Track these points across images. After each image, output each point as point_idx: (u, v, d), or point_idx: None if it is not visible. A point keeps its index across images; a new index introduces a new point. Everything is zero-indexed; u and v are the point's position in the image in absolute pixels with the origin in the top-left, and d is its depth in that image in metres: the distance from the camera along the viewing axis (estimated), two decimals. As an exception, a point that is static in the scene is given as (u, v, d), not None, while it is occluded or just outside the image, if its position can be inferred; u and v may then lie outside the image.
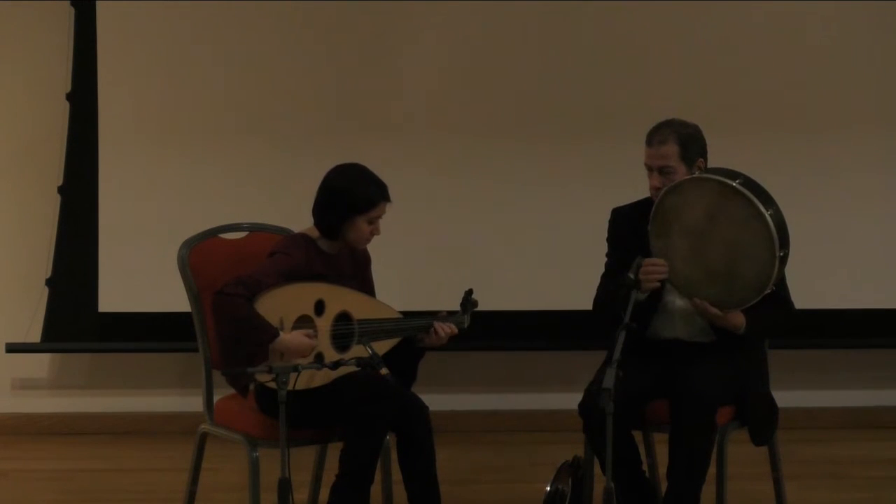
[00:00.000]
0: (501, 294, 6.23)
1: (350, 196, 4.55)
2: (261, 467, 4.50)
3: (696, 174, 4.53)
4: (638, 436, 4.70)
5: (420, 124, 6.41)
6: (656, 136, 4.64)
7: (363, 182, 4.59)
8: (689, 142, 4.63)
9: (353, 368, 4.32)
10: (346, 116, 6.39)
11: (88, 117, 6.36)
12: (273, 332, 4.38)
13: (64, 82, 6.40)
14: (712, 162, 4.68)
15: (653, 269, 4.51)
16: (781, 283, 4.61)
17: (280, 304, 4.44)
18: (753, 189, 4.41)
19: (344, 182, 4.59)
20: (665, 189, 4.50)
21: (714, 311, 4.52)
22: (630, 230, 4.74)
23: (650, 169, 4.66)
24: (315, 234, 4.64)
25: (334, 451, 4.61)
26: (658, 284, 4.56)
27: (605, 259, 4.83)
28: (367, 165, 4.66)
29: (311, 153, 6.17)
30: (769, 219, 4.37)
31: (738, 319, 4.56)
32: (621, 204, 4.85)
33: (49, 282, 6.39)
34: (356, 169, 4.64)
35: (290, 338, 4.43)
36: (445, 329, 4.65)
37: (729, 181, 4.41)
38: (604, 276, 4.79)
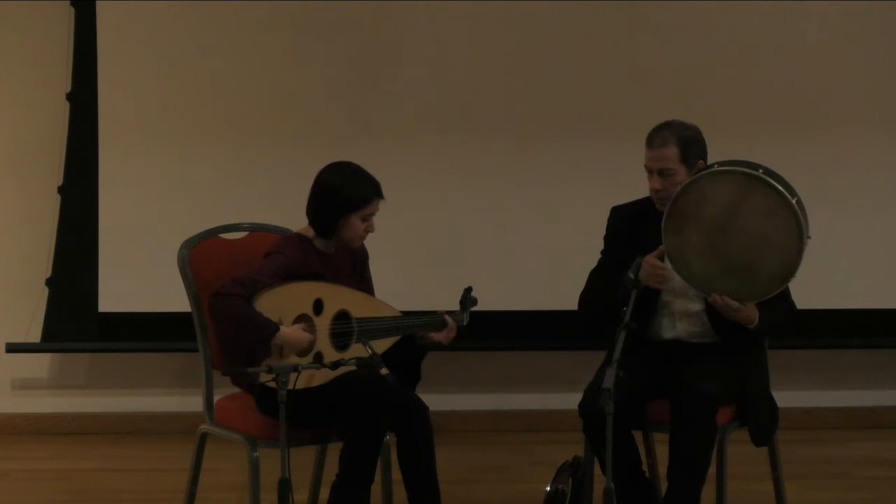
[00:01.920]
0: (501, 294, 6.23)
1: (343, 194, 4.55)
2: (261, 467, 4.50)
3: (715, 167, 4.51)
4: (638, 436, 4.71)
5: (419, 124, 6.42)
6: (656, 138, 4.63)
7: (355, 179, 4.59)
8: (690, 143, 4.63)
9: (352, 368, 4.32)
10: (345, 116, 6.39)
11: (88, 117, 6.36)
12: (273, 327, 4.39)
13: (64, 82, 6.40)
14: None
15: (657, 273, 4.51)
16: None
17: (278, 304, 4.44)
18: (776, 178, 4.42)
19: (336, 180, 4.59)
20: (679, 188, 4.49)
21: (734, 304, 4.51)
22: (629, 229, 4.74)
23: (650, 171, 4.65)
24: (311, 233, 4.64)
25: (334, 451, 4.61)
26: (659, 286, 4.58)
27: (600, 257, 4.83)
28: (366, 165, 4.66)
29: (311, 153, 6.14)
30: (795, 206, 4.37)
31: (754, 313, 4.55)
32: (621, 203, 4.85)
33: (49, 282, 6.39)
34: (348, 167, 4.64)
35: (290, 331, 4.43)
36: (448, 335, 4.66)
37: (752, 171, 4.41)
38: (593, 273, 4.78)
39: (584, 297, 4.77)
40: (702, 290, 4.57)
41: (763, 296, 4.50)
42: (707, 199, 4.45)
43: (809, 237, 4.42)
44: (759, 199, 4.40)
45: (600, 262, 4.81)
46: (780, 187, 4.39)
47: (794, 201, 4.38)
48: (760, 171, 4.42)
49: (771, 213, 4.40)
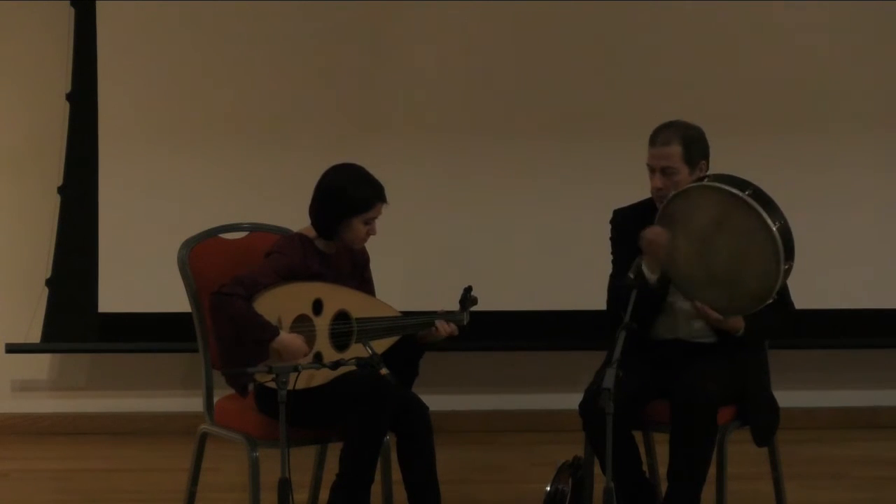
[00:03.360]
0: (501, 294, 6.22)
1: (346, 197, 4.55)
2: (261, 467, 4.50)
3: (705, 182, 4.51)
4: (638, 436, 4.70)
5: (420, 124, 6.41)
6: (660, 136, 4.63)
7: (359, 182, 4.59)
8: (693, 143, 4.62)
9: (352, 368, 4.32)
10: (345, 117, 6.39)
11: (88, 117, 6.36)
12: (273, 331, 4.39)
13: (64, 82, 6.40)
14: (714, 162, 4.67)
15: (655, 244, 4.51)
16: (783, 287, 4.60)
17: (278, 304, 4.44)
18: (761, 200, 4.40)
19: (340, 182, 4.59)
20: (673, 193, 4.49)
21: (714, 315, 4.52)
22: (631, 230, 4.73)
23: (652, 169, 4.65)
24: (312, 233, 4.64)
25: (334, 451, 4.61)
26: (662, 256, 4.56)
27: (612, 260, 4.81)
28: (366, 165, 4.66)
29: (311, 153, 6.17)
30: (776, 233, 4.37)
31: (738, 323, 4.57)
32: (621, 204, 4.84)
33: (49, 282, 6.39)
34: (352, 169, 4.64)
35: (290, 338, 4.43)
36: (446, 328, 4.66)
37: (738, 192, 4.40)
38: (612, 277, 4.77)
39: (610, 305, 4.73)
40: (686, 295, 4.58)
41: (742, 312, 4.52)
42: (696, 208, 4.46)
43: (790, 263, 4.41)
44: (741, 220, 4.41)
45: (615, 265, 4.79)
46: (762, 212, 4.38)
47: (775, 228, 4.37)
48: (747, 192, 4.41)
49: (751, 235, 4.40)
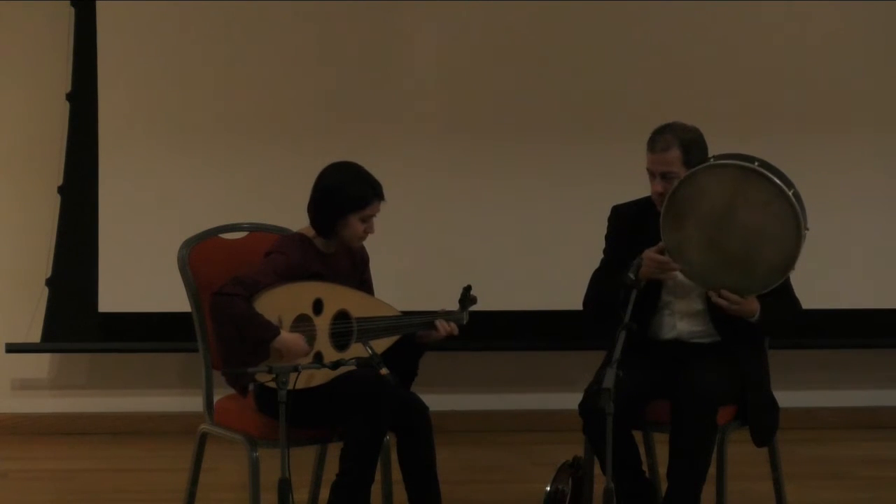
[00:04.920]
0: (501, 294, 6.22)
1: (343, 194, 4.55)
2: (261, 467, 4.50)
3: (710, 161, 4.50)
4: (638, 436, 4.71)
5: (419, 123, 6.41)
6: (659, 141, 4.62)
7: (357, 180, 4.59)
8: (692, 147, 4.62)
9: (352, 368, 4.32)
10: (346, 117, 6.39)
11: (88, 117, 6.36)
12: (274, 330, 4.39)
13: (64, 82, 6.40)
14: (712, 162, 4.68)
15: (660, 266, 4.52)
16: (786, 283, 4.60)
17: (278, 304, 4.44)
18: (772, 170, 4.42)
19: (337, 180, 4.59)
20: (677, 181, 4.49)
21: (734, 297, 4.51)
22: (630, 228, 4.74)
23: (652, 174, 4.65)
24: (312, 233, 4.64)
25: (334, 451, 4.61)
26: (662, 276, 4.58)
27: (602, 257, 4.83)
28: (366, 164, 4.66)
29: (311, 153, 6.16)
30: (792, 197, 4.38)
31: (754, 305, 4.55)
32: (621, 202, 4.85)
33: (49, 282, 6.39)
34: (350, 167, 4.64)
35: (291, 338, 4.43)
36: (446, 328, 4.66)
37: (748, 164, 4.41)
38: (596, 272, 4.78)
39: (588, 298, 4.77)
40: (702, 285, 4.58)
41: (763, 289, 4.51)
42: (704, 193, 4.46)
43: (808, 229, 4.43)
44: (756, 192, 4.41)
45: (602, 262, 4.81)
46: (776, 179, 4.39)
47: (790, 193, 4.39)
48: (756, 163, 4.43)
49: (768, 205, 4.41)
